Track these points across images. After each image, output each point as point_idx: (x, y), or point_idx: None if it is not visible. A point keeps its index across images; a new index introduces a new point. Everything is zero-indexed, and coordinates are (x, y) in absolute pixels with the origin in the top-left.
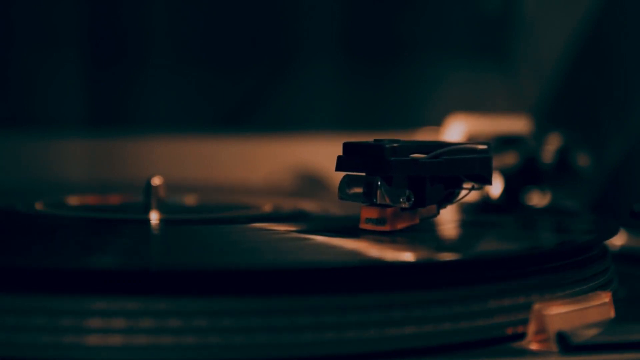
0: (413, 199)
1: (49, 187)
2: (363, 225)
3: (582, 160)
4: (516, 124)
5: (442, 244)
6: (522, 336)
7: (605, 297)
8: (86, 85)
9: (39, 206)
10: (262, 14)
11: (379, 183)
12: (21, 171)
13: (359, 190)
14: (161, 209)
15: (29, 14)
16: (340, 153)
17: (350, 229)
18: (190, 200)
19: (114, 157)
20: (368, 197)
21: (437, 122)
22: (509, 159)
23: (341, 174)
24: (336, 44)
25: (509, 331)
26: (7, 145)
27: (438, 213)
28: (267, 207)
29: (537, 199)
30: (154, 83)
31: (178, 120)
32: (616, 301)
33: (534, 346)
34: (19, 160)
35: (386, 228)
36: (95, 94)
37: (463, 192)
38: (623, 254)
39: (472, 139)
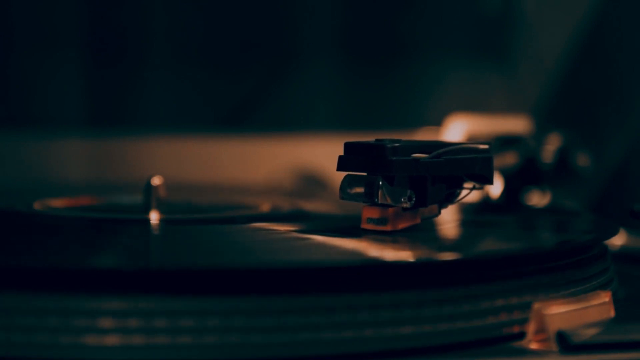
0: (414, 199)
1: (49, 187)
2: (364, 225)
3: (582, 160)
4: (516, 124)
5: (443, 244)
6: (522, 336)
7: (605, 297)
8: (86, 85)
9: (38, 206)
10: (262, 14)
11: (381, 183)
12: (21, 171)
13: (360, 190)
14: (161, 209)
15: (29, 15)
16: (341, 153)
17: (351, 229)
18: (190, 200)
19: (114, 157)
20: (369, 197)
21: (437, 122)
22: (509, 159)
23: (342, 174)
24: (336, 44)
25: (509, 331)
26: (7, 145)
27: (439, 213)
28: (267, 207)
29: (537, 199)
30: (153, 83)
31: (178, 120)
32: (616, 301)
33: (534, 346)
34: (19, 160)
35: (387, 228)
36: (95, 94)
37: (464, 192)
38: (623, 254)
39: (472, 139)
